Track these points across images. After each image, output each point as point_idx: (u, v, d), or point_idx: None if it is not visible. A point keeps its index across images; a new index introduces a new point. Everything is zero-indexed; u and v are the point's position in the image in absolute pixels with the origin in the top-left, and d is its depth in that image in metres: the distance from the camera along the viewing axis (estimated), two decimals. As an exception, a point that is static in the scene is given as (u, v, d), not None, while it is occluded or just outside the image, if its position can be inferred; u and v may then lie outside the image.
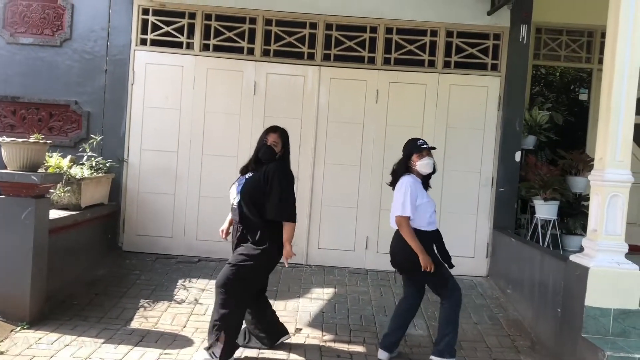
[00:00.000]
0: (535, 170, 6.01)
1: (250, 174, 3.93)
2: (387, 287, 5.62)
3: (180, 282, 5.40)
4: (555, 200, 5.73)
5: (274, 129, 4.01)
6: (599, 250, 3.83)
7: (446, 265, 4.11)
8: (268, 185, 3.82)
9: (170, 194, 6.09)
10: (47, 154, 4.91)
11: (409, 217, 3.93)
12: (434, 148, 4.11)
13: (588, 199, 6.14)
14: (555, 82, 8.98)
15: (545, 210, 5.75)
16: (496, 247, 5.98)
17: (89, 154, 5.56)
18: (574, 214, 6.03)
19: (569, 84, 9.14)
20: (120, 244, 6.10)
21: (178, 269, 5.72)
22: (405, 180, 3.99)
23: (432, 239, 4.06)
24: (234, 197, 3.93)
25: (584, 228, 5.97)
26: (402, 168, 4.06)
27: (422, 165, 4.00)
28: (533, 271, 4.84)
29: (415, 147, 4.04)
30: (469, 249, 6.09)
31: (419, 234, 3.96)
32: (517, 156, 6.02)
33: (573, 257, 4.09)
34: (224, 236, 4.16)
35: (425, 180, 4.13)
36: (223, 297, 3.75)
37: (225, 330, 3.71)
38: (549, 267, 4.53)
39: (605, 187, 3.85)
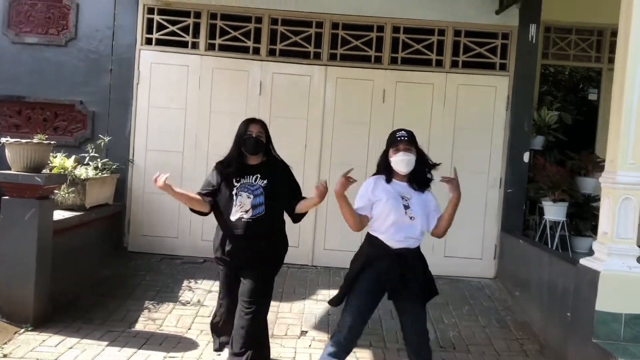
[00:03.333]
0: (544, 171, 5.93)
1: (263, 183, 3.52)
2: (393, 289, 5.57)
3: (185, 283, 5.37)
4: (564, 201, 5.65)
5: (253, 120, 3.64)
6: (610, 253, 3.75)
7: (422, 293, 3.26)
8: (288, 187, 3.64)
9: (175, 195, 6.04)
10: (51, 154, 4.92)
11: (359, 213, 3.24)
12: (408, 140, 3.24)
13: (597, 200, 6.11)
14: (564, 82, 8.89)
15: (554, 211, 5.67)
16: (504, 248, 5.91)
17: (93, 154, 5.52)
18: (584, 215, 5.95)
19: (577, 83, 9.05)
20: (126, 245, 6.08)
21: (183, 270, 5.69)
22: (366, 182, 3.32)
23: (390, 255, 3.19)
24: (245, 211, 3.48)
25: (594, 230, 5.90)
26: (381, 165, 3.34)
27: (395, 162, 3.22)
28: (542, 274, 4.78)
29: (390, 140, 3.30)
30: (477, 250, 6.02)
31: (369, 240, 3.31)
32: (526, 157, 5.94)
33: (583, 261, 4.02)
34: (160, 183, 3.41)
35: (417, 180, 3.30)
36: (262, 312, 3.61)
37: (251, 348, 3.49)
38: (558, 269, 4.46)
39: (616, 189, 3.76)
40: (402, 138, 3.25)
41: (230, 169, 3.57)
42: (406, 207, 3.21)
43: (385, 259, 3.19)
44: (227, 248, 3.56)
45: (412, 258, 3.23)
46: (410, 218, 3.19)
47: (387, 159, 3.28)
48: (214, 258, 3.74)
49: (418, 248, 3.30)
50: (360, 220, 3.24)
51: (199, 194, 3.61)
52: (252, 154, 3.58)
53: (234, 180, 3.52)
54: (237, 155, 3.58)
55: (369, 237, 3.32)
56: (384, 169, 3.30)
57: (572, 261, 4.29)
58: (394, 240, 3.20)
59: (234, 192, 3.50)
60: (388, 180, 3.26)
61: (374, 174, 3.36)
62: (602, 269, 3.72)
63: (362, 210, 3.25)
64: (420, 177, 3.32)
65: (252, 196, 3.49)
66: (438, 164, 3.41)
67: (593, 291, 3.73)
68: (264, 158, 3.64)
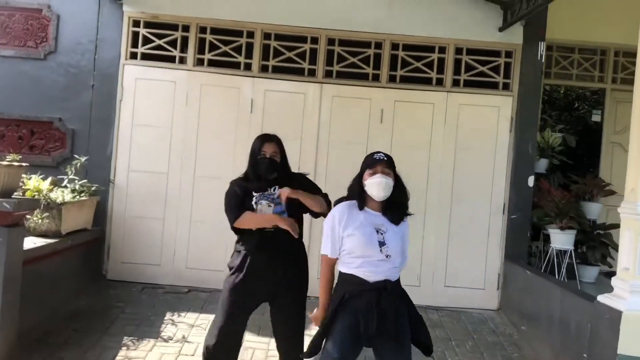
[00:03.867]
0: (548, 196, 5.64)
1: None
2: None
3: (168, 315, 4.97)
4: (572, 229, 5.35)
5: (268, 138, 3.38)
6: (633, 291, 3.44)
7: (419, 348, 2.94)
8: (311, 184, 3.47)
9: (159, 219, 5.67)
10: (26, 175, 4.55)
11: (330, 257, 2.91)
12: (387, 161, 2.88)
13: (604, 227, 5.86)
14: (558, 100, 8.69)
15: (561, 240, 5.37)
16: (508, 278, 5.59)
17: (71, 176, 5.13)
18: (591, 244, 5.65)
19: (572, 102, 8.86)
20: (105, 272, 5.67)
21: (166, 301, 5.30)
22: (334, 209, 2.97)
23: (368, 290, 2.78)
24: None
25: (603, 259, 5.63)
26: (354, 188, 2.92)
27: (370, 185, 2.82)
28: (552, 308, 4.45)
29: (367, 162, 2.91)
30: (479, 280, 5.70)
31: (342, 278, 2.89)
32: (531, 181, 5.66)
33: (602, 298, 3.70)
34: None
35: (392, 211, 2.91)
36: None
37: None
38: (571, 305, 4.14)
39: (638, 221, 3.48)
40: (381, 159, 2.88)
41: (248, 183, 3.36)
42: (381, 243, 2.82)
43: (362, 295, 2.78)
44: (248, 265, 3.25)
45: (393, 292, 2.81)
46: (387, 256, 2.81)
47: (361, 182, 2.88)
48: (229, 286, 3.30)
49: (398, 281, 2.89)
50: (333, 274, 2.95)
51: (234, 219, 3.32)
52: (267, 176, 3.32)
53: (252, 191, 3.32)
54: (254, 174, 3.36)
55: (341, 275, 2.91)
56: (357, 194, 2.89)
57: (588, 297, 3.97)
58: (370, 272, 2.81)
59: (253, 202, 3.29)
60: (360, 207, 2.88)
61: (342, 199, 2.97)
62: (625, 308, 3.41)
63: (334, 254, 2.90)
64: (396, 208, 2.92)
65: (272, 205, 3.28)
66: (411, 214, 3.04)
67: (614, 332, 3.42)
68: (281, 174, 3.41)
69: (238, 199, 3.31)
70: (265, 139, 3.39)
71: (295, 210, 3.31)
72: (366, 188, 2.85)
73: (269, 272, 3.25)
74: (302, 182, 3.45)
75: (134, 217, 5.66)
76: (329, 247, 2.89)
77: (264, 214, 3.27)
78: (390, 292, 2.78)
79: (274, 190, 3.32)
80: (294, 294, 3.33)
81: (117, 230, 5.66)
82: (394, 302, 2.78)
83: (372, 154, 2.96)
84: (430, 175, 5.70)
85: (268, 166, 3.29)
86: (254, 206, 3.29)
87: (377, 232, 2.83)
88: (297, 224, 3.32)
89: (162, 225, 5.68)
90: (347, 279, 2.85)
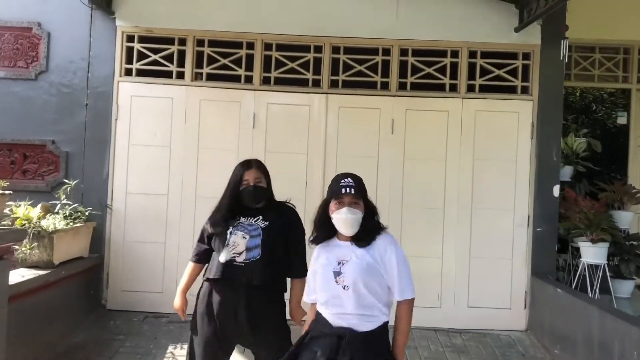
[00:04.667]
0: (576, 207, 5.23)
1: (265, 222, 3.00)
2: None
3: (170, 348, 4.63)
4: (604, 241, 4.93)
5: (247, 165, 3.09)
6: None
7: None
8: (292, 236, 3.05)
9: (160, 243, 5.34)
10: (14, 203, 4.27)
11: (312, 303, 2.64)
12: (355, 190, 2.48)
13: (637, 238, 5.42)
14: (575, 104, 8.29)
15: (592, 253, 4.95)
16: (536, 296, 5.16)
17: (64, 201, 4.83)
18: (624, 256, 5.21)
19: (589, 105, 8.45)
20: (104, 302, 5.34)
21: (169, 332, 4.95)
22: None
23: (328, 334, 2.43)
24: (237, 253, 2.93)
25: (638, 271, 5.21)
26: (320, 220, 2.56)
27: (337, 220, 2.48)
28: (589, 330, 4.03)
29: (333, 190, 2.53)
30: (505, 299, 5.27)
31: (317, 314, 2.57)
32: (556, 190, 5.26)
33: (649, 323, 3.30)
34: (183, 315, 3.20)
35: (361, 238, 2.51)
36: None
37: None
38: (613, 329, 3.72)
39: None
40: (348, 190, 2.47)
41: (222, 215, 3.04)
42: (337, 273, 2.45)
43: (322, 339, 2.45)
44: (214, 300, 2.92)
45: (355, 345, 2.37)
46: (344, 287, 2.42)
47: (327, 213, 2.52)
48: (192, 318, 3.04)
49: (375, 331, 2.42)
50: None
51: (193, 260, 3.20)
52: (254, 205, 3.03)
53: (231, 219, 3.02)
54: (233, 202, 3.04)
55: (316, 312, 2.61)
56: (324, 226, 2.54)
57: (633, 321, 3.56)
58: (331, 314, 2.47)
59: (228, 231, 2.97)
60: (329, 237, 2.55)
61: (313, 236, 2.62)
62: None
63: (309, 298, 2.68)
64: (366, 234, 2.52)
65: (247, 236, 2.94)
66: (385, 227, 2.60)
67: (666, 362, 3.02)
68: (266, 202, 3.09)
69: (201, 238, 3.15)
70: (244, 166, 3.09)
71: (273, 249, 2.97)
72: (333, 222, 2.50)
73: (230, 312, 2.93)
74: (292, 219, 3.10)
75: (133, 242, 5.34)
76: (309, 297, 2.66)
77: (235, 244, 2.93)
78: (350, 344, 2.37)
79: (256, 221, 3.01)
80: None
81: (116, 257, 5.34)
82: (356, 355, 2.35)
83: (339, 178, 2.56)
84: (448, 189, 5.31)
85: (254, 194, 3.01)
86: (227, 235, 2.96)
87: (338, 263, 2.48)
88: (272, 263, 2.96)
89: (164, 250, 5.35)
90: (317, 317, 2.56)
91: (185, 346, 4.62)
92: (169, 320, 5.16)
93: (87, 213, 4.98)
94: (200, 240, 3.15)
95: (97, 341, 4.70)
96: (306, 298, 2.67)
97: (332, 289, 2.45)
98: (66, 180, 5.00)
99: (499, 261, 5.26)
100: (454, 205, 5.30)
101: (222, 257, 2.93)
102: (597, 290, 5.03)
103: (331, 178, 2.50)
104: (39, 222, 4.44)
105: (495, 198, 5.29)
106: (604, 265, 4.97)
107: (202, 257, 3.15)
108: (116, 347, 4.62)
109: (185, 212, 5.34)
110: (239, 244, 2.93)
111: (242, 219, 3.01)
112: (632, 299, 5.30)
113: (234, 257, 2.91)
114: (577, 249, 5.26)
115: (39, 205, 4.62)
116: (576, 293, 4.64)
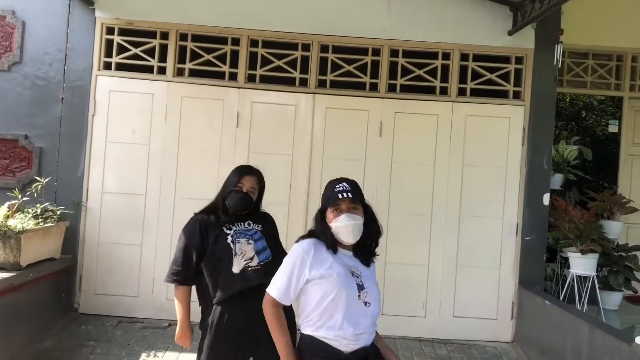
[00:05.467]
0: (565, 216, 5.12)
1: (258, 227, 2.95)
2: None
3: (143, 355, 4.43)
4: (594, 252, 4.82)
5: (249, 171, 2.99)
6: (682, 335, 2.92)
7: None
8: (276, 239, 3.06)
9: (136, 245, 5.12)
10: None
11: (277, 300, 2.30)
12: (352, 195, 2.30)
13: (626, 249, 5.32)
14: (565, 110, 8.21)
15: (582, 265, 4.83)
16: (523, 307, 5.03)
17: (36, 199, 4.59)
18: (613, 268, 5.10)
19: (579, 112, 8.38)
20: (77, 306, 5.11)
21: (143, 338, 4.74)
22: (299, 244, 2.35)
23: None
24: (249, 258, 2.83)
25: (627, 283, 5.11)
26: (320, 230, 2.36)
27: (337, 229, 2.30)
28: (578, 345, 3.90)
29: (328, 196, 2.36)
30: (491, 309, 5.14)
31: (310, 345, 2.26)
32: (546, 199, 5.13)
33: (642, 341, 3.17)
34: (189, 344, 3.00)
35: (363, 250, 2.39)
36: None
37: None
38: (602, 345, 3.59)
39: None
40: (345, 195, 2.28)
41: (217, 217, 2.93)
42: (360, 286, 2.27)
43: None
44: (230, 321, 2.77)
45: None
46: (365, 304, 2.26)
47: (326, 223, 2.34)
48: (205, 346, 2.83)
49: (374, 344, 2.34)
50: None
51: (175, 281, 2.90)
52: (236, 211, 2.92)
53: (224, 228, 2.89)
54: (223, 205, 2.95)
55: (306, 341, 2.27)
56: (324, 237, 2.33)
57: (623, 337, 3.43)
58: (345, 339, 2.21)
59: (229, 241, 2.85)
60: (334, 251, 2.32)
61: (304, 237, 2.39)
62: (673, 356, 2.88)
63: (285, 298, 2.29)
64: (367, 246, 2.40)
65: (251, 241, 2.91)
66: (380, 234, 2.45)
67: (659, 384, 2.89)
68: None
69: (188, 255, 2.87)
70: (246, 171, 2.99)
71: (274, 246, 2.98)
72: (333, 231, 2.32)
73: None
74: (272, 222, 3.10)
75: (108, 243, 5.11)
76: (281, 287, 2.28)
77: (243, 251, 2.84)
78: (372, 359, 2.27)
79: (248, 225, 2.95)
80: None
81: (90, 259, 5.11)
82: None
83: (333, 183, 2.36)
84: (436, 194, 5.16)
85: (239, 201, 2.91)
86: (231, 245, 2.84)
87: (353, 274, 2.29)
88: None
89: (140, 252, 5.13)
90: (314, 348, 2.22)
91: (161, 354, 4.45)
92: (144, 325, 4.96)
93: (59, 212, 4.75)
94: (188, 257, 2.87)
95: (66, 348, 4.48)
96: (276, 294, 2.29)
97: (354, 306, 2.23)
98: (38, 178, 4.76)
99: (486, 270, 5.13)
100: (441, 211, 5.16)
101: (235, 268, 2.81)
102: (585, 302, 4.92)
103: (316, 181, 2.37)
104: (6, 222, 4.21)
105: (484, 205, 5.15)
106: (593, 277, 4.86)
107: (194, 276, 2.89)
108: (86, 354, 4.41)
109: (163, 213, 5.13)
110: (246, 250, 2.86)
111: (234, 227, 2.90)
112: (620, 311, 5.20)
113: (247, 263, 2.83)
114: (566, 259, 5.14)
115: (6, 204, 4.38)
116: (565, 305, 4.52)
